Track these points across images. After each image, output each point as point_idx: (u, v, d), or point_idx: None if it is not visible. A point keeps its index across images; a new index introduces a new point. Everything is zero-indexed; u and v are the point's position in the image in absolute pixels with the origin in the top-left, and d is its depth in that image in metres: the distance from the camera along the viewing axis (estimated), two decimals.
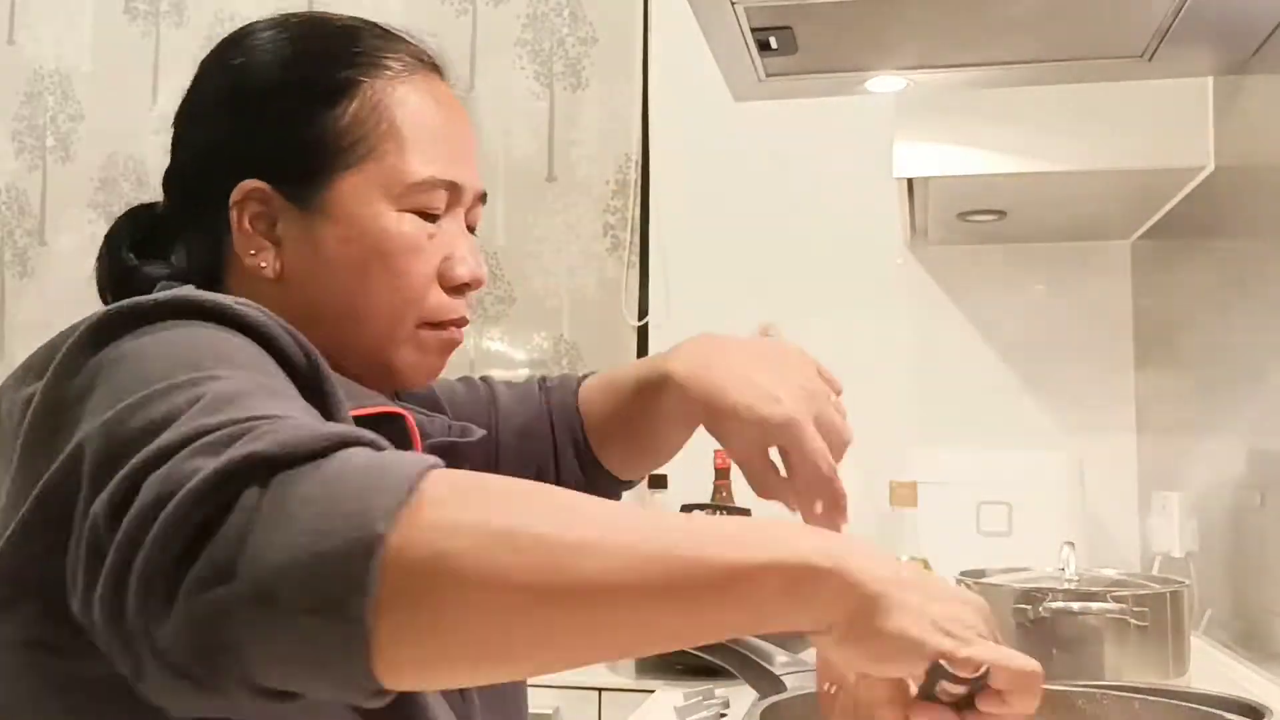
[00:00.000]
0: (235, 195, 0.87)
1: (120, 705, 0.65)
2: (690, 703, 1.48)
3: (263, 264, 0.87)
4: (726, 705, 1.47)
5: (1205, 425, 1.93)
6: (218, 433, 0.58)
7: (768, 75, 1.60)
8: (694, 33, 1.48)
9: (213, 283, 0.87)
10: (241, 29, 0.93)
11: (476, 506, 0.56)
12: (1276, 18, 1.47)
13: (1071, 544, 1.54)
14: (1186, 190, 1.91)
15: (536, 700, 1.88)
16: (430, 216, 0.89)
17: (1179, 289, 2.10)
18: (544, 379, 1.13)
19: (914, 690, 0.62)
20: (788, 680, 1.02)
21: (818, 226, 2.45)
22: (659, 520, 0.59)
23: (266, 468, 0.55)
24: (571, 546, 0.55)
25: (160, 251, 0.91)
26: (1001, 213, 2.14)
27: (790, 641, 1.81)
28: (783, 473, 0.90)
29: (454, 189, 0.90)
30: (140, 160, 2.85)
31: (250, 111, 0.89)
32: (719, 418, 0.92)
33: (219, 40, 0.95)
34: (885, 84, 1.68)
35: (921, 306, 2.42)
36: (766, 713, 0.90)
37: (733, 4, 1.37)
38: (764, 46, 1.49)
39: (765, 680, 1.06)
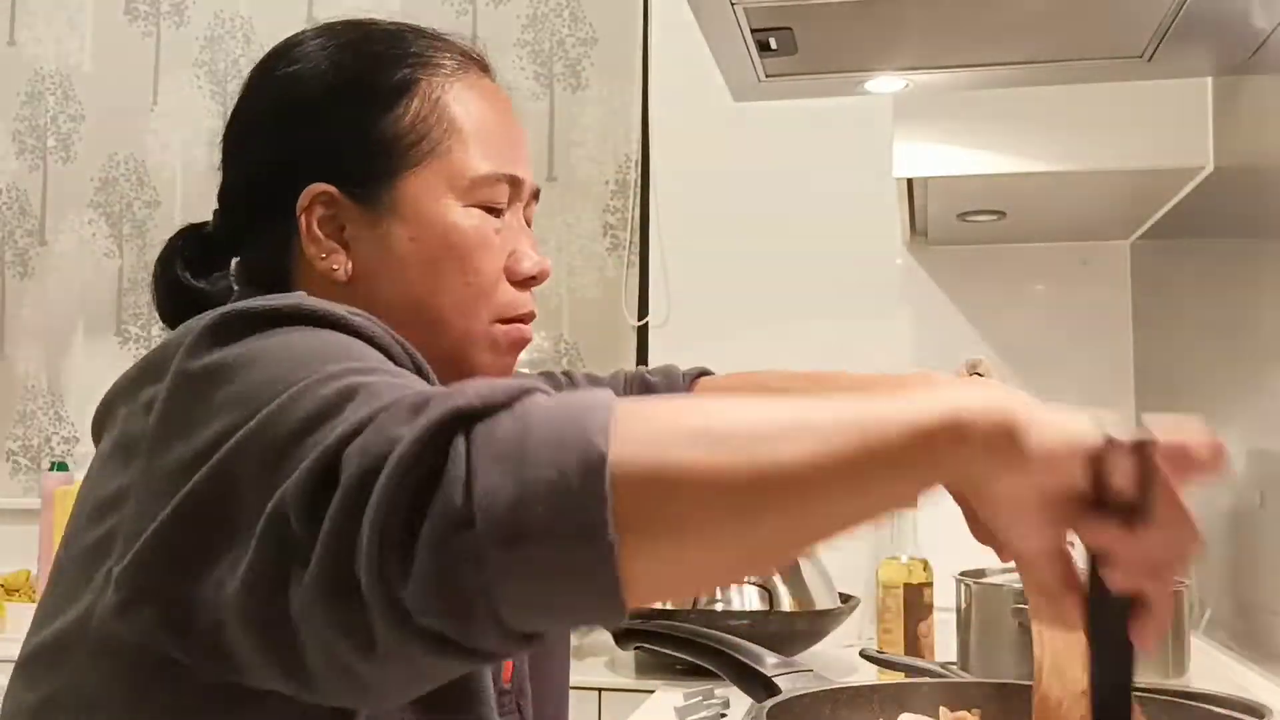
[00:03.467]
0: (303, 201, 0.87)
1: (210, 711, 0.69)
2: (690, 703, 1.48)
3: (335, 267, 0.87)
4: (726, 705, 1.47)
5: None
6: (397, 406, 0.59)
7: (768, 75, 1.60)
8: (694, 33, 1.48)
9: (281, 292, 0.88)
10: (286, 41, 0.94)
11: (672, 417, 0.58)
12: (1276, 18, 1.47)
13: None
14: (1186, 190, 1.91)
15: None
16: (495, 211, 0.90)
17: (1178, 289, 2.10)
18: (637, 373, 1.14)
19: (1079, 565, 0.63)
20: (780, 682, 1.02)
21: (818, 226, 2.45)
22: (824, 400, 0.60)
23: (467, 419, 0.57)
24: (768, 435, 0.57)
25: (213, 269, 0.92)
26: (1001, 213, 2.14)
27: (781, 644, 1.82)
28: None
29: (515, 183, 0.91)
30: (140, 160, 2.85)
31: (308, 119, 0.90)
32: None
33: (265, 53, 0.95)
34: (885, 84, 1.68)
35: (921, 306, 2.42)
36: (772, 713, 0.90)
37: (733, 4, 1.38)
38: (764, 47, 1.50)
39: (756, 683, 1.06)
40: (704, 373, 1.17)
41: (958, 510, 0.79)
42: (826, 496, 0.58)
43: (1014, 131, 1.80)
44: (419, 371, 0.74)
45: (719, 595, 1.85)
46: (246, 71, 0.95)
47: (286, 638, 0.59)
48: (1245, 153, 1.70)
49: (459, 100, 0.89)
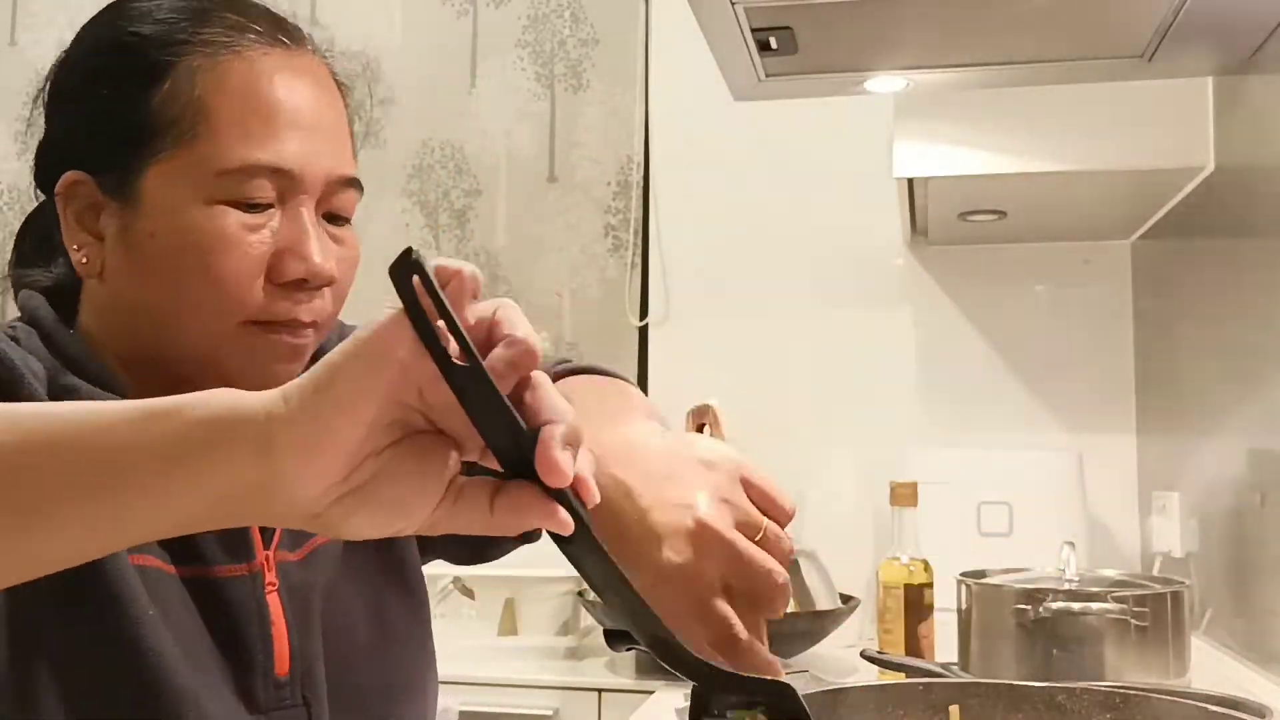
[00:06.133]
0: (58, 188, 0.83)
1: None
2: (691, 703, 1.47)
3: (84, 260, 0.82)
4: None
5: (1205, 425, 1.93)
6: None
7: (768, 75, 1.60)
8: (694, 33, 1.48)
9: (78, 282, 0.86)
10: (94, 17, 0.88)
11: None
12: (1276, 18, 1.47)
13: (1071, 544, 1.54)
14: (1186, 190, 1.91)
15: (536, 701, 1.89)
16: (257, 207, 0.79)
17: (1179, 289, 2.10)
18: None
19: None
20: None
21: (818, 226, 2.46)
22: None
23: None
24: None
25: (47, 250, 0.88)
26: (1001, 213, 2.14)
27: (782, 644, 1.81)
28: None
29: (282, 175, 0.80)
30: None
31: (69, 104, 0.86)
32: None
33: None
34: (885, 84, 1.68)
35: (921, 306, 2.42)
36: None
37: (733, 4, 1.38)
38: (764, 46, 1.49)
39: None
40: (579, 369, 1.01)
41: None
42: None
43: (1014, 131, 1.80)
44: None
45: None
46: None
47: None
48: (1245, 153, 1.70)
49: (220, 83, 0.79)
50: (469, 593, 2.18)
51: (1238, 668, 1.65)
